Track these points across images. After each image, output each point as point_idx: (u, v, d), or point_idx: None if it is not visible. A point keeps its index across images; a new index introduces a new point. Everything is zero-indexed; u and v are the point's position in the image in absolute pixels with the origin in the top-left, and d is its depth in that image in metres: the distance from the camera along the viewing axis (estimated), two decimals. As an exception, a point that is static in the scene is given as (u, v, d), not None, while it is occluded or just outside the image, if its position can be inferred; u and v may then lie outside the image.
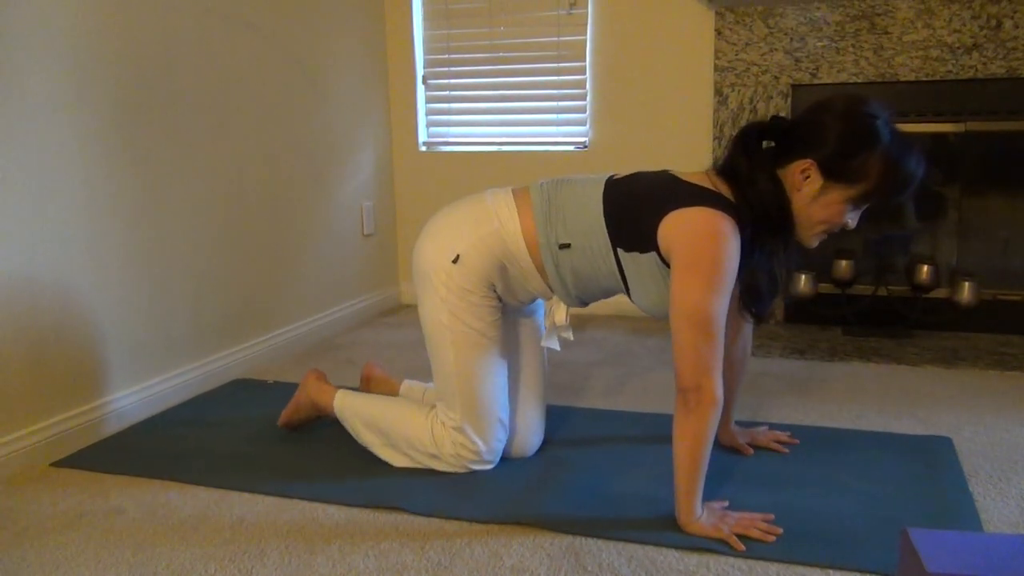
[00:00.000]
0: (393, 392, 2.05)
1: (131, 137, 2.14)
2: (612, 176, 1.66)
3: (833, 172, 1.47)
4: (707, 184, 1.53)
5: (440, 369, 1.73)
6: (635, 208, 1.56)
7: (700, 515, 1.50)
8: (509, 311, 1.81)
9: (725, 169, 1.55)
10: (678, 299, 1.47)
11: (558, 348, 1.82)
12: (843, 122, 1.47)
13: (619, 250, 1.58)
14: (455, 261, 1.65)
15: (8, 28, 1.81)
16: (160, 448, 1.97)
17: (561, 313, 1.73)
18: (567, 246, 1.62)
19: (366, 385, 2.11)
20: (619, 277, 1.61)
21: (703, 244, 1.46)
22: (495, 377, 1.72)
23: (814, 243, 1.58)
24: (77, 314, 2.01)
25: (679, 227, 1.49)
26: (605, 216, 1.58)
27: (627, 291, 1.63)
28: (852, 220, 1.53)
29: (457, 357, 1.69)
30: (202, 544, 1.52)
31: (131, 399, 2.16)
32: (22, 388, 1.88)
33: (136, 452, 1.95)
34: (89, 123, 2.02)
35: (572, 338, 1.80)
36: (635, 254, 1.56)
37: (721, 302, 1.46)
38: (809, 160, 1.48)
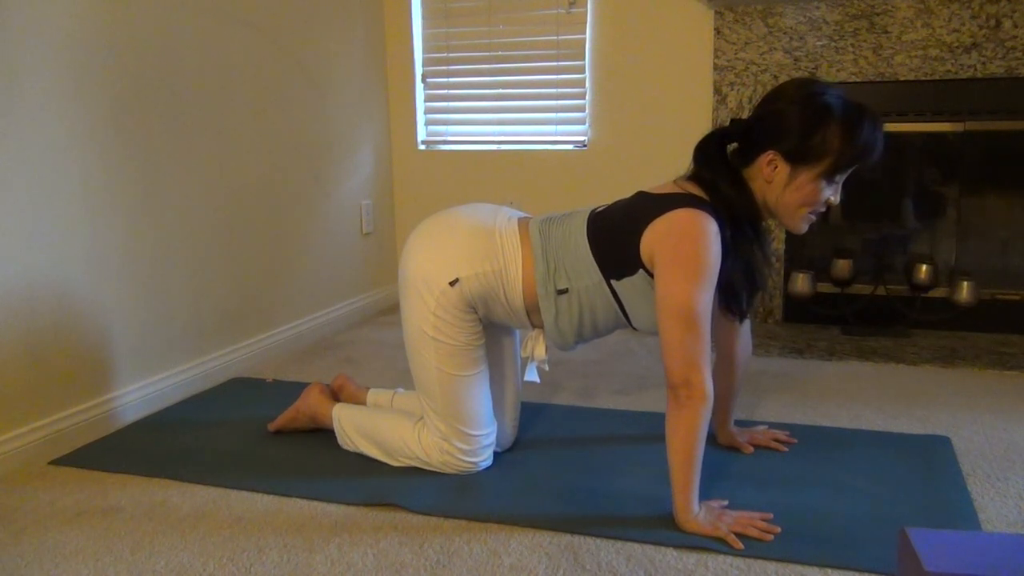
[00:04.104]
0: (360, 403, 2.06)
1: (130, 136, 2.14)
2: (594, 210, 1.68)
3: (796, 156, 1.51)
4: (677, 190, 1.57)
5: (422, 377, 1.73)
6: (616, 235, 1.59)
7: (697, 512, 1.50)
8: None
9: (691, 178, 1.60)
10: (663, 296, 1.49)
11: (538, 380, 1.83)
12: (795, 106, 1.51)
13: (612, 281, 1.60)
14: (452, 283, 1.65)
15: (7, 28, 1.81)
16: (159, 446, 1.97)
17: (541, 348, 1.74)
18: (564, 291, 1.63)
19: (335, 395, 2.10)
20: (618, 310, 1.63)
21: (683, 240, 1.49)
22: (477, 384, 1.72)
23: (804, 227, 1.60)
24: (76, 312, 2.01)
25: (659, 233, 1.52)
26: (592, 252, 1.61)
27: (628, 320, 1.65)
28: (833, 195, 1.56)
29: (440, 366, 1.69)
30: (201, 542, 1.52)
31: (130, 397, 2.16)
32: (21, 386, 1.88)
33: (135, 450, 1.95)
34: (88, 121, 2.02)
35: (548, 368, 1.83)
36: (626, 279, 1.59)
37: (705, 295, 1.48)
38: (772, 151, 1.52)
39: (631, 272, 1.57)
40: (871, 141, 1.50)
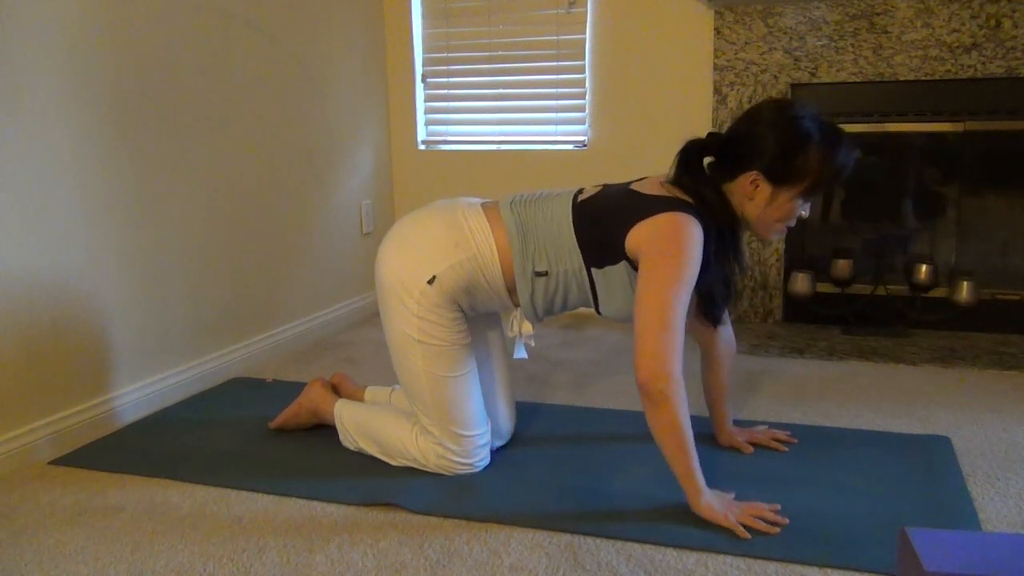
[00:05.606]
0: (359, 401, 2.06)
1: (130, 136, 2.14)
2: (577, 195, 1.70)
3: (779, 177, 1.58)
4: (666, 193, 1.62)
5: (411, 382, 1.73)
6: (604, 227, 1.62)
7: (707, 494, 1.53)
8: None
9: (675, 183, 1.64)
10: (643, 293, 1.52)
11: (526, 356, 1.84)
12: (776, 130, 1.57)
13: (592, 269, 1.64)
14: (430, 282, 1.66)
15: (8, 28, 1.81)
16: (159, 446, 1.97)
17: (528, 323, 1.77)
18: (544, 273, 1.66)
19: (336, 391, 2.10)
20: (590, 295, 1.67)
21: (670, 242, 1.53)
22: (467, 384, 1.73)
23: (775, 238, 1.71)
24: (75, 313, 2.01)
25: (647, 231, 1.56)
26: (577, 239, 1.63)
27: (595, 304, 1.68)
28: (805, 211, 1.64)
29: (427, 369, 1.70)
30: (201, 542, 1.52)
31: (130, 397, 2.16)
32: (20, 386, 1.88)
33: (135, 450, 1.95)
34: (88, 121, 2.01)
35: (534, 344, 1.86)
36: (607, 268, 1.62)
37: (684, 296, 1.51)
38: (755, 171, 1.58)
39: (614, 261, 1.61)
40: (847, 163, 1.59)
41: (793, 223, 1.65)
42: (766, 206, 1.60)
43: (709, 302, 1.68)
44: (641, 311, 1.51)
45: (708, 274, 1.59)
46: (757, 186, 1.59)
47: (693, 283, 1.53)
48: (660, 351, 1.48)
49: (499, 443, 1.88)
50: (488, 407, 1.82)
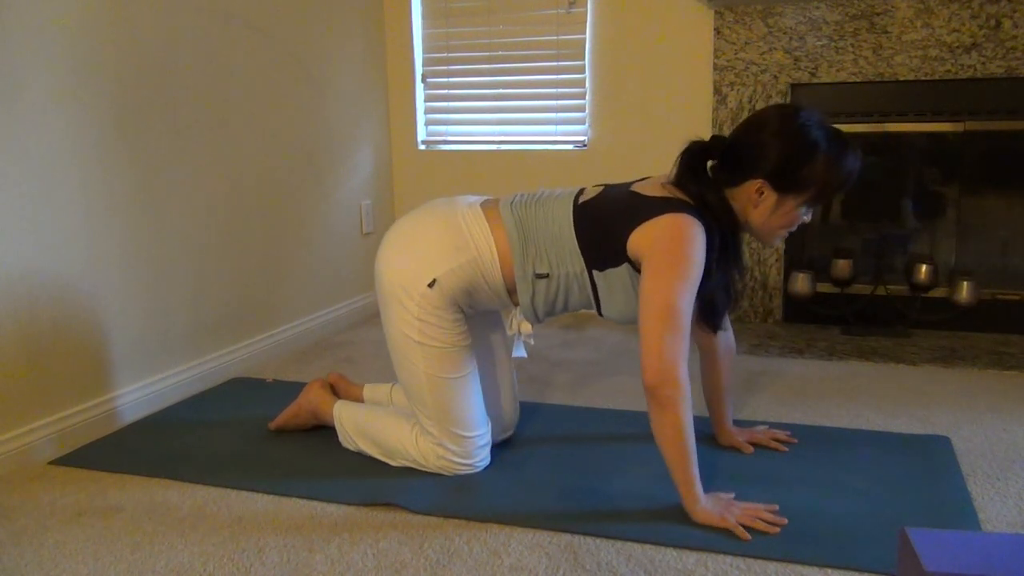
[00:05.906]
0: (357, 398, 2.06)
1: (130, 136, 2.14)
2: (578, 196, 1.69)
3: (784, 186, 1.57)
4: (668, 195, 1.61)
5: (411, 383, 1.73)
6: (606, 230, 1.62)
7: (704, 501, 1.52)
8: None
9: (677, 184, 1.63)
10: (648, 294, 1.52)
11: (525, 355, 1.84)
12: (782, 139, 1.56)
13: (593, 271, 1.63)
14: (431, 285, 1.66)
15: (8, 28, 1.81)
16: (159, 446, 1.97)
17: (528, 323, 1.77)
18: (545, 276, 1.66)
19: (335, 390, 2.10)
20: (591, 297, 1.67)
21: (674, 243, 1.53)
22: (468, 385, 1.73)
23: (777, 243, 1.70)
24: (76, 313, 2.01)
25: (651, 233, 1.55)
26: (579, 242, 1.63)
27: (597, 306, 1.68)
28: (807, 217, 1.64)
29: (428, 371, 1.69)
30: (201, 542, 1.52)
31: (130, 397, 2.17)
32: (20, 386, 1.88)
33: (135, 450, 1.95)
34: (88, 121, 2.02)
35: (533, 343, 1.86)
36: (608, 271, 1.62)
37: (689, 295, 1.51)
38: (760, 180, 1.57)
39: (616, 264, 1.60)
40: (853, 171, 1.58)
41: (795, 228, 1.65)
42: (771, 213, 1.60)
43: (710, 310, 1.68)
44: (646, 313, 1.51)
45: (709, 281, 1.58)
46: (762, 194, 1.58)
47: (697, 284, 1.53)
48: (666, 353, 1.48)
49: (504, 436, 1.89)
50: (492, 403, 1.83)
